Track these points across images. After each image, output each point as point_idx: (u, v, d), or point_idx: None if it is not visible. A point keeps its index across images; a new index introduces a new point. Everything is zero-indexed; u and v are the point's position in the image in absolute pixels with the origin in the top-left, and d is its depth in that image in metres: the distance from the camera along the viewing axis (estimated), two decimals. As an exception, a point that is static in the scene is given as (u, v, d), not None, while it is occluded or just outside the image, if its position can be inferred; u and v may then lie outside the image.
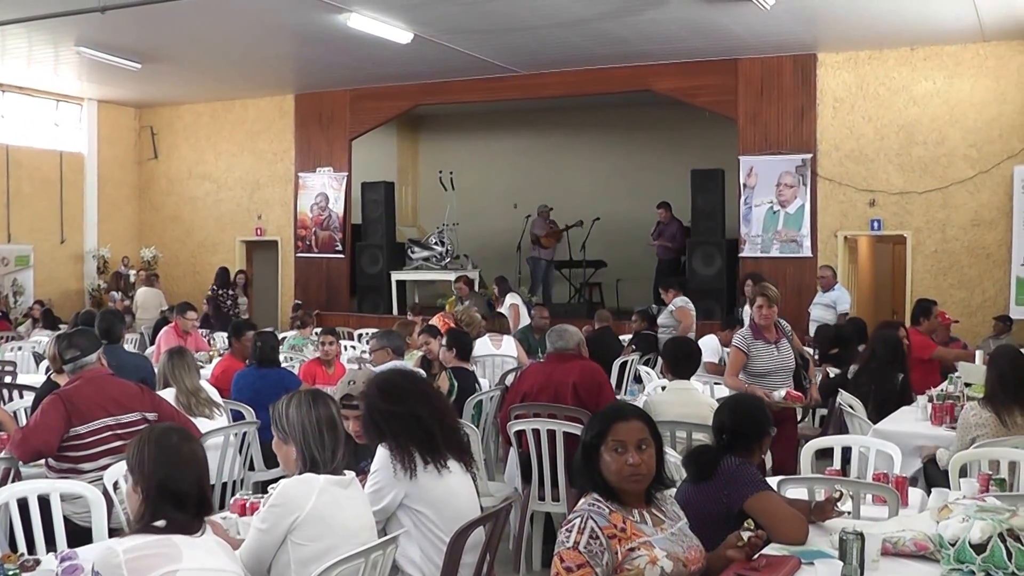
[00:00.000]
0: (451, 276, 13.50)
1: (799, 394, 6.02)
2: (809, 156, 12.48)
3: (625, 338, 10.37)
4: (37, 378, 7.40)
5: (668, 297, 10.49)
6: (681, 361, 5.84)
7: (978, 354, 7.38)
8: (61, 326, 10.69)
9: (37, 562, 3.27)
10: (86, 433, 4.44)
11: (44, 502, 3.81)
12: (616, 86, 13.63)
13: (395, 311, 14.57)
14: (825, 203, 12.49)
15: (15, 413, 5.85)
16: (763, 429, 3.69)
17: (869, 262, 14.08)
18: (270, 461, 5.85)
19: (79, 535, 3.83)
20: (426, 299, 14.84)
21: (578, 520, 2.81)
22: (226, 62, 13.62)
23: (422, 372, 6.25)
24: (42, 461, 4.51)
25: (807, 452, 4.78)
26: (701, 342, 8.07)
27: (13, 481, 4.29)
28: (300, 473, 3.14)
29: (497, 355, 8.57)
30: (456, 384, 6.63)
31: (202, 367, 7.24)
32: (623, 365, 8.71)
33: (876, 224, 12.29)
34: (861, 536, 2.96)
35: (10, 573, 3.15)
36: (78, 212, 16.46)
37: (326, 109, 15.60)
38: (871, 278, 14.21)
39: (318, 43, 12.10)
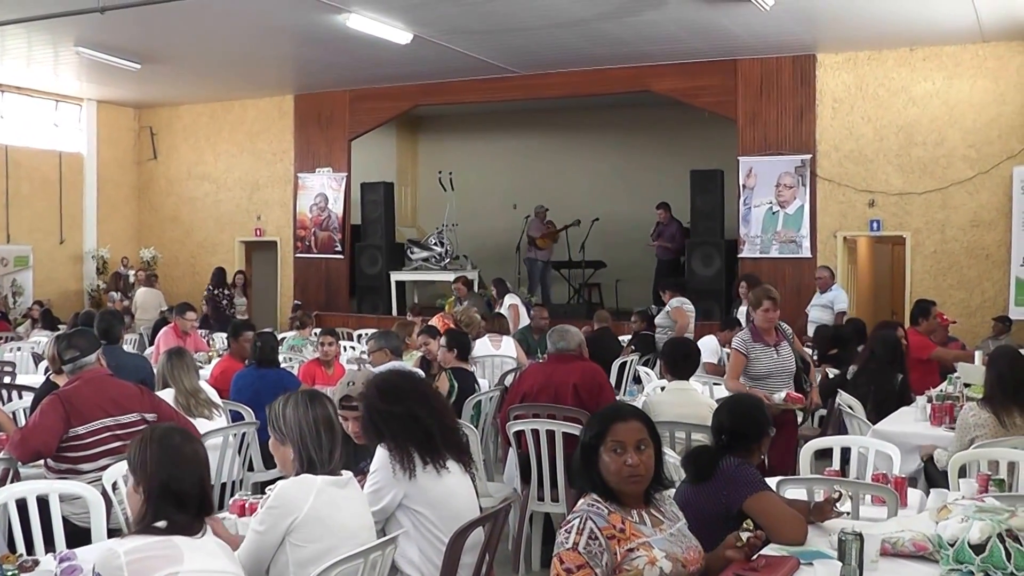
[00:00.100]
0: (450, 277, 13.49)
1: (799, 395, 6.01)
2: (808, 157, 12.49)
3: (624, 339, 10.38)
4: (36, 378, 7.39)
5: (666, 298, 10.50)
6: (680, 362, 5.84)
7: (977, 355, 7.38)
8: (60, 326, 10.67)
9: (36, 563, 3.27)
10: (85, 434, 4.44)
11: (43, 503, 3.81)
12: (615, 87, 13.63)
13: (394, 311, 14.57)
14: (824, 204, 12.49)
15: (14, 414, 5.85)
16: (762, 429, 3.69)
17: (868, 263, 14.08)
18: (269, 462, 5.84)
19: (78, 536, 3.83)
20: (425, 300, 14.85)
21: (577, 521, 2.81)
22: (226, 62, 13.62)
23: (421, 372, 6.25)
24: (41, 462, 4.51)
25: (806, 452, 4.78)
26: (700, 343, 8.08)
27: (12, 482, 4.29)
28: (297, 474, 3.13)
29: (496, 356, 8.57)
30: (456, 385, 6.63)
31: (201, 368, 7.24)
32: (622, 366, 8.72)
33: (875, 225, 12.29)
34: (860, 536, 2.96)
35: (9, 574, 3.14)
36: (77, 212, 16.46)
37: (325, 109, 15.60)
38: (870, 279, 14.21)
39: (317, 44, 12.10)
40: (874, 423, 5.83)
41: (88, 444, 4.44)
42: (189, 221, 17.10)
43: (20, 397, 6.50)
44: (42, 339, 9.94)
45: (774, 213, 12.66)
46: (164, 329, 9.45)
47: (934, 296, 10.12)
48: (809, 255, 12.44)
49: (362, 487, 3.41)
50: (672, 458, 4.13)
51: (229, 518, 3.69)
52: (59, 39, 12.04)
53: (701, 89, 13.07)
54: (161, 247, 17.04)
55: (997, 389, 4.92)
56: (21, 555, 3.38)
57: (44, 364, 7.45)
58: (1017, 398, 4.87)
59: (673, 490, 3.34)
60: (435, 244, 14.86)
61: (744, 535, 2.99)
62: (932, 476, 5.29)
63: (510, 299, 11.61)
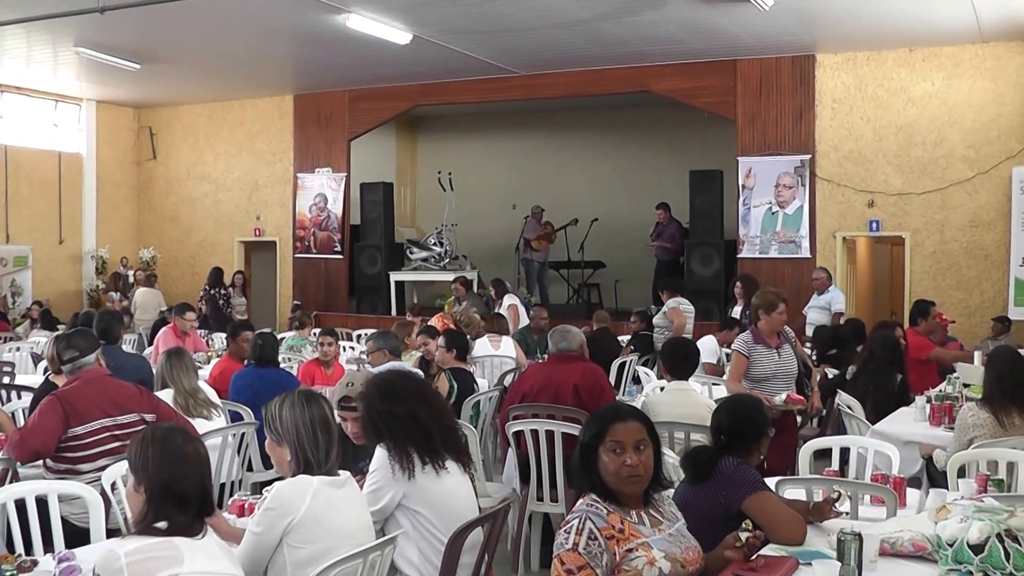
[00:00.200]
0: (450, 277, 13.48)
1: (800, 397, 6.01)
2: (808, 157, 12.49)
3: (624, 339, 10.38)
4: (35, 379, 7.39)
5: (664, 298, 10.50)
6: (679, 362, 5.84)
7: (976, 355, 7.39)
8: (59, 327, 10.68)
9: (35, 563, 3.26)
10: (84, 434, 4.44)
11: (42, 503, 3.81)
12: (615, 87, 13.63)
13: (394, 312, 14.56)
14: (824, 204, 12.49)
15: (13, 414, 5.84)
16: (761, 430, 3.69)
17: (867, 263, 14.08)
18: (268, 462, 5.80)
19: (77, 536, 3.83)
20: (425, 300, 14.86)
21: (576, 521, 2.81)
22: (225, 63, 13.62)
23: (420, 373, 6.25)
24: (40, 462, 4.51)
25: (805, 452, 4.78)
26: (699, 343, 8.09)
27: (11, 482, 4.29)
28: (294, 475, 3.12)
29: (495, 356, 8.58)
30: (455, 385, 6.63)
31: (200, 368, 7.23)
32: (621, 366, 8.72)
33: (875, 225, 12.30)
34: (859, 537, 2.96)
35: (8, 574, 3.14)
36: (77, 213, 16.45)
37: (325, 110, 15.59)
38: (869, 279, 14.21)
39: (317, 44, 12.10)
40: (873, 423, 5.83)
41: (87, 444, 4.44)
42: (188, 221, 17.10)
43: (19, 397, 6.50)
44: (41, 339, 9.94)
45: (773, 213, 12.66)
46: (163, 329, 9.46)
47: (933, 296, 10.12)
48: (808, 255, 12.43)
49: (361, 487, 3.41)
50: (671, 458, 4.13)
51: (228, 519, 3.69)
52: (59, 39, 12.04)
53: (700, 89, 13.07)
54: (160, 247, 17.03)
55: (996, 389, 4.93)
56: (20, 555, 3.38)
57: (43, 364, 7.45)
58: (1016, 398, 4.87)
59: (672, 490, 3.34)
60: (434, 244, 14.85)
61: (743, 535, 2.99)
62: (934, 477, 5.29)
63: (509, 299, 11.61)
